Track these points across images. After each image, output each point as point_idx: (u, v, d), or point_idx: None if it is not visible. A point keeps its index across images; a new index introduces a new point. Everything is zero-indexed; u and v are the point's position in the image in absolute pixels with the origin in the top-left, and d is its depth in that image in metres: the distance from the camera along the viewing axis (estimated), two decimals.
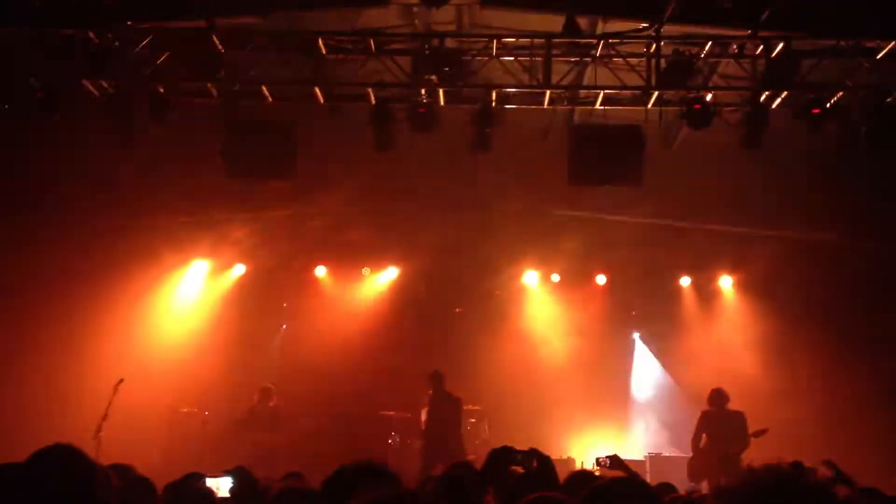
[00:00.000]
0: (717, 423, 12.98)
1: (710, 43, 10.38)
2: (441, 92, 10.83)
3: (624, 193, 13.23)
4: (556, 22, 10.40)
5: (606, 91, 10.86)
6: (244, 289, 17.01)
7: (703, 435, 13.09)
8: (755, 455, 13.33)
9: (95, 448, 10.74)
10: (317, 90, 10.87)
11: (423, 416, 13.65)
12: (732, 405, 13.22)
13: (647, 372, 17.34)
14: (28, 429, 12.77)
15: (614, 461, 6.36)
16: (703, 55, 10.54)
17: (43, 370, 14.69)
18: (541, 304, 17.21)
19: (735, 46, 10.48)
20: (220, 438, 14.67)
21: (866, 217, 14.90)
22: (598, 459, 6.59)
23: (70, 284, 15.46)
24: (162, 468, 14.18)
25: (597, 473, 6.17)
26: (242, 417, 14.42)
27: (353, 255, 16.84)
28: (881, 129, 10.22)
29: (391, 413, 15.40)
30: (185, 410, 14.92)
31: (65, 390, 14.53)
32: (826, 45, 10.18)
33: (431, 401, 13.54)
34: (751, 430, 12.82)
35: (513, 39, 10.65)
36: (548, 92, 10.75)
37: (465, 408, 14.14)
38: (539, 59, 10.54)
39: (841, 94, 10.46)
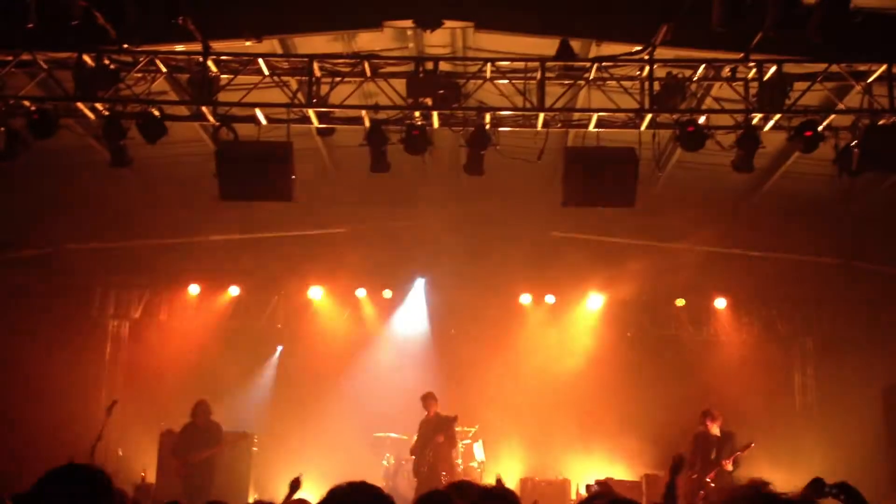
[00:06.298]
0: (708, 443, 12.98)
1: (702, 66, 10.42)
2: (435, 114, 10.85)
3: (619, 215, 13.26)
4: (549, 45, 10.44)
5: (600, 114, 10.89)
6: (239, 311, 17.02)
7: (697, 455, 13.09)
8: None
9: None
10: (311, 113, 10.89)
11: (416, 439, 13.61)
12: (727, 425, 13.24)
13: (641, 391, 17.30)
14: (27, 450, 12.79)
15: (603, 487, 6.38)
16: (695, 78, 10.58)
17: (39, 389, 14.66)
18: (536, 326, 17.21)
19: (728, 69, 10.52)
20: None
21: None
22: (587, 486, 6.64)
23: (61, 304, 15.48)
24: (157, 488, 14.25)
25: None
26: (182, 434, 13.96)
27: (348, 276, 16.85)
28: (873, 151, 10.24)
29: (386, 435, 15.39)
30: (179, 431, 14.84)
31: (59, 411, 14.51)
32: (818, 69, 10.23)
33: (424, 423, 13.50)
34: (738, 446, 12.89)
35: (507, 63, 10.68)
36: (541, 115, 10.77)
37: (458, 428, 14.13)
38: (533, 82, 10.56)
39: (833, 116, 10.49)
